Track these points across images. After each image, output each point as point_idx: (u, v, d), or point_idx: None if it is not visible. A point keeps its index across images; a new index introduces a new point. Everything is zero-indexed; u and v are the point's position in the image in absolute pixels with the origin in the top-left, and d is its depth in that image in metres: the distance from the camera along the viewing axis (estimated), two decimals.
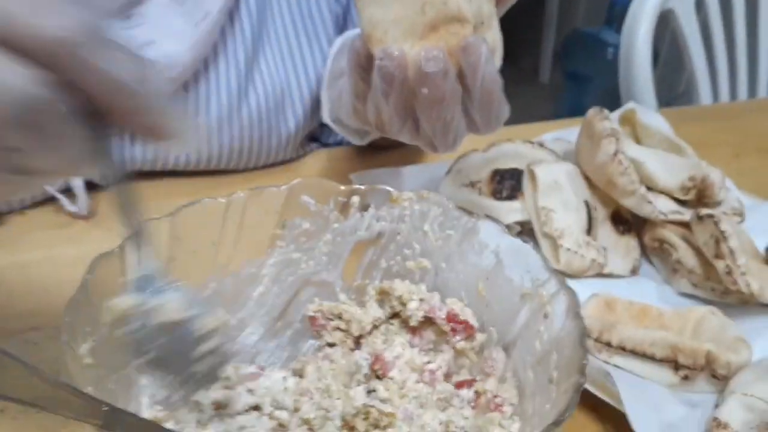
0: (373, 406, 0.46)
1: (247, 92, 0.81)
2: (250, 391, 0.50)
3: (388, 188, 0.55)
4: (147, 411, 0.48)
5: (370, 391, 0.51)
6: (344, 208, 0.55)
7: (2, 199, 0.49)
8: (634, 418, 0.51)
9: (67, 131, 0.34)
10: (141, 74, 0.35)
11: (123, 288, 0.42)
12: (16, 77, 0.31)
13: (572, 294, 0.47)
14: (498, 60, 0.55)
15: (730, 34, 1.43)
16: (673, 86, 2.83)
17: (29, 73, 0.31)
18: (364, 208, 0.55)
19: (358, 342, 0.55)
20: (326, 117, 0.85)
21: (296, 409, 0.49)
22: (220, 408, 0.48)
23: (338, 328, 0.55)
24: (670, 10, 1.35)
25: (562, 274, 0.52)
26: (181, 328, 0.41)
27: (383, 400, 0.50)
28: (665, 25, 1.38)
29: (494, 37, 0.54)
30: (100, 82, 0.33)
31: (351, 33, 0.88)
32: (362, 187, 0.55)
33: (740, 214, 0.77)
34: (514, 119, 1.06)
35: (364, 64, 0.54)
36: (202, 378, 0.44)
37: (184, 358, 0.42)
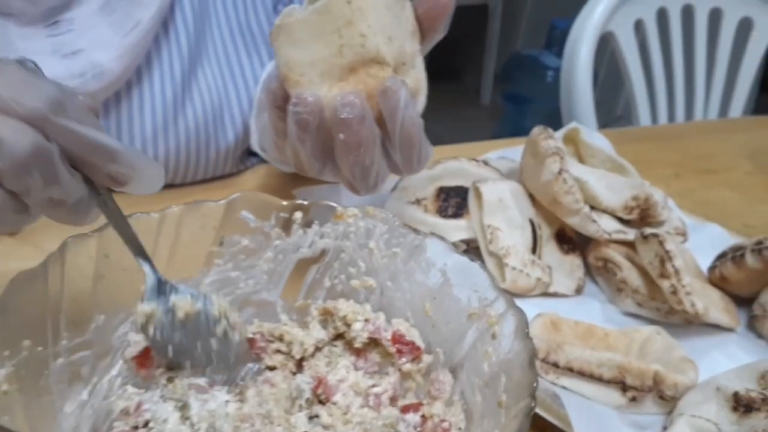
0: None
1: (184, 103, 0.79)
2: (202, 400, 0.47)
3: (333, 204, 0.53)
4: None
5: (312, 417, 0.49)
6: (286, 225, 0.53)
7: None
8: None
9: (65, 173, 0.41)
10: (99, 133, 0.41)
11: (141, 296, 0.46)
12: (16, 132, 0.38)
13: (521, 314, 0.45)
14: (421, 100, 0.54)
15: (667, 56, 1.47)
16: (610, 109, 2.90)
17: (27, 129, 0.39)
18: (307, 224, 0.53)
19: (300, 365, 0.53)
20: (255, 145, 0.84)
21: None
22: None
23: (279, 351, 0.53)
24: (610, 32, 1.37)
25: (508, 293, 0.50)
26: (192, 320, 0.47)
27: (326, 427, 0.48)
28: (604, 48, 1.40)
29: (417, 76, 0.54)
30: (68, 140, 0.40)
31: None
32: (305, 202, 0.53)
33: (683, 233, 0.77)
34: (456, 139, 1.06)
35: (281, 104, 0.54)
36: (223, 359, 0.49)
37: (204, 344, 0.48)
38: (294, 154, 0.55)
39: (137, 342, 0.48)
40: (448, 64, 4.25)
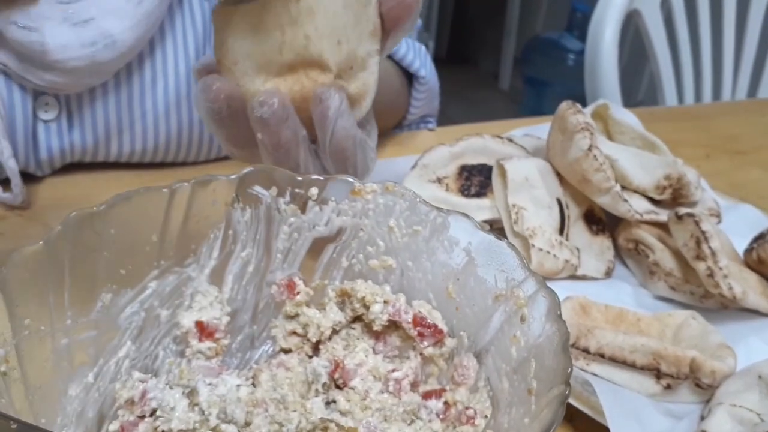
0: (332, 421, 0.42)
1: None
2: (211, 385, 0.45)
3: (350, 179, 0.50)
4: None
5: (329, 402, 0.46)
6: (301, 201, 0.50)
7: None
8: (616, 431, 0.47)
9: None
10: None
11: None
12: None
13: (552, 295, 0.42)
14: (365, 105, 0.52)
15: (695, 35, 1.42)
16: (632, 94, 2.85)
17: None
18: (323, 201, 0.51)
19: (316, 348, 0.50)
20: None
21: (247, 423, 0.44)
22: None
23: (294, 333, 0.50)
24: (636, 10, 1.33)
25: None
26: None
27: (343, 413, 0.45)
28: (625, 31, 1.37)
29: (366, 80, 0.52)
30: None
31: None
32: (321, 177, 0.50)
33: (717, 215, 0.74)
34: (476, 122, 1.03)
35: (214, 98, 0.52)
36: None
37: None
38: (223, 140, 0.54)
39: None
40: (466, 47, 4.22)
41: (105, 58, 0.68)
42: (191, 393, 0.43)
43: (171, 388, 0.43)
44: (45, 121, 0.73)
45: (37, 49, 0.65)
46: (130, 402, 0.43)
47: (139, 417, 0.42)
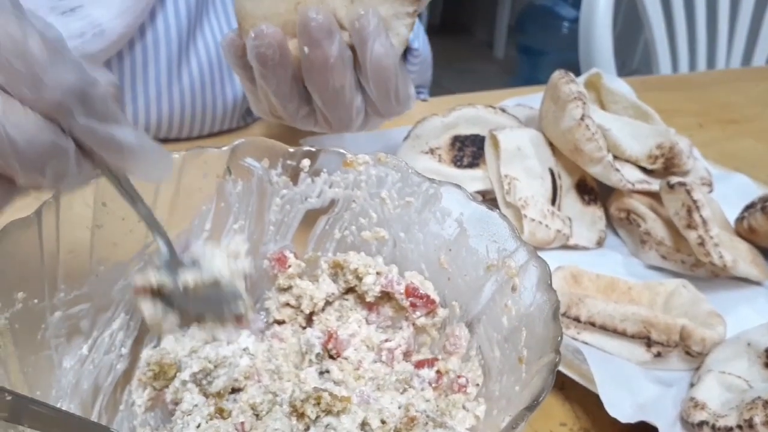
0: (325, 390, 0.42)
1: (189, 58, 0.76)
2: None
3: (342, 150, 0.50)
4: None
5: (322, 372, 0.47)
6: (294, 173, 0.50)
7: None
8: (607, 399, 0.47)
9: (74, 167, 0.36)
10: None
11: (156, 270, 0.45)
12: (33, 131, 0.33)
13: (543, 265, 0.43)
14: (397, 46, 0.52)
15: (689, 3, 1.41)
16: (625, 63, 2.83)
17: (45, 127, 0.33)
18: (315, 172, 0.50)
19: (309, 320, 0.51)
20: None
21: (235, 390, 0.45)
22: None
23: (288, 305, 0.51)
24: None
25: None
26: (203, 286, 0.46)
27: (337, 382, 0.46)
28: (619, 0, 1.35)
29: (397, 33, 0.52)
30: (87, 138, 0.35)
31: None
32: (313, 149, 0.50)
33: (709, 184, 0.74)
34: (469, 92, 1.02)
35: (241, 54, 0.53)
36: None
37: (216, 306, 0.47)
38: (266, 99, 0.54)
39: None
40: (460, 17, 4.18)
41: (94, 49, 0.67)
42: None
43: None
44: None
45: None
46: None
47: None
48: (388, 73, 0.51)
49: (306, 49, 0.49)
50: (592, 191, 0.72)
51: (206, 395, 0.44)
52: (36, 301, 0.41)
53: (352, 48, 0.51)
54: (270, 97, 0.53)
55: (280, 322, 0.51)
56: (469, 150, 0.71)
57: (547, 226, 0.66)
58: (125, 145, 0.37)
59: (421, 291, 0.49)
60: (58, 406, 0.42)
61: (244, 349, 0.47)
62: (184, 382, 0.44)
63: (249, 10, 0.51)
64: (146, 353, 0.47)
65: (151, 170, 0.39)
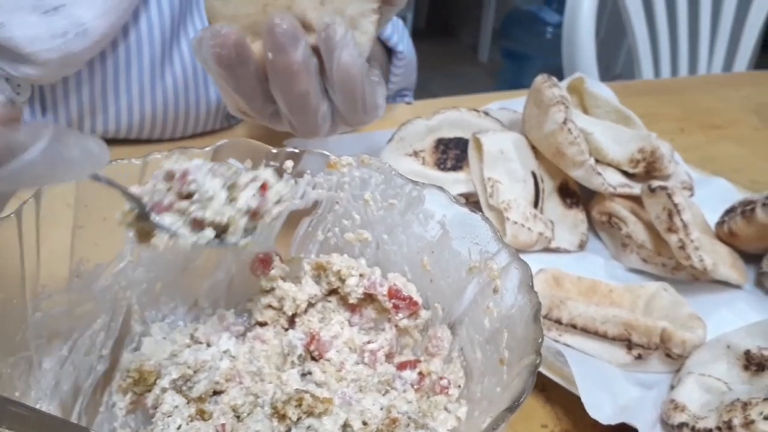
0: (307, 392, 0.42)
1: (172, 57, 0.75)
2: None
3: (326, 152, 0.50)
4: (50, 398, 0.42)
5: (305, 374, 0.47)
6: (277, 174, 0.50)
7: None
8: (587, 401, 0.48)
9: None
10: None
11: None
12: None
13: (525, 267, 0.43)
14: (365, 43, 0.52)
15: (672, 9, 1.43)
16: (609, 68, 2.85)
17: None
18: (298, 174, 0.50)
19: (292, 321, 0.50)
20: None
21: (217, 392, 0.45)
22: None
23: (270, 306, 0.50)
24: None
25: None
26: None
27: (319, 384, 0.45)
28: (605, 2, 1.36)
29: (357, 41, 0.51)
30: None
31: None
32: (296, 150, 0.50)
33: (690, 188, 0.74)
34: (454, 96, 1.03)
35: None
36: None
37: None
38: (231, 96, 0.53)
39: None
40: (445, 20, 4.19)
41: (77, 48, 0.67)
42: (231, 187, 0.42)
43: (214, 176, 0.42)
44: None
45: (7, 43, 0.64)
46: (170, 176, 0.42)
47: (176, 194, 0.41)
48: (355, 83, 0.50)
49: (270, 54, 0.48)
50: (575, 195, 0.73)
51: (187, 399, 0.44)
52: (15, 301, 0.41)
53: (320, 55, 0.50)
54: (229, 94, 0.53)
55: (263, 324, 0.51)
56: (452, 153, 0.72)
57: (529, 229, 0.66)
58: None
59: (403, 293, 0.49)
60: (38, 407, 0.41)
61: (225, 352, 0.47)
62: (164, 389, 0.44)
63: (218, 10, 0.50)
64: (126, 357, 0.47)
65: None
